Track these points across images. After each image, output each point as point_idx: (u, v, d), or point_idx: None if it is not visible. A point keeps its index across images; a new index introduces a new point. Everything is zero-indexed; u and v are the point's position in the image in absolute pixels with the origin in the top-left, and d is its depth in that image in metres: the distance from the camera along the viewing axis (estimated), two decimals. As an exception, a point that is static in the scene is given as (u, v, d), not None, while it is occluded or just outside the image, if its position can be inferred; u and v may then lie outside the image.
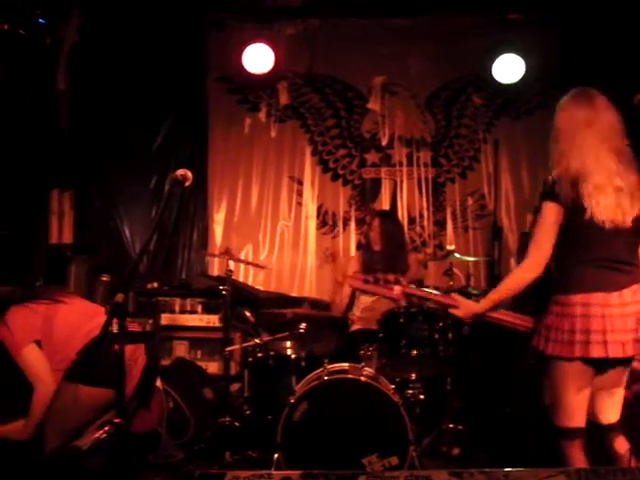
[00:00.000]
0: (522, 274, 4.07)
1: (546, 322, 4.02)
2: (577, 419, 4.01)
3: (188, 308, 7.51)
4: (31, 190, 7.99)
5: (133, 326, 4.74)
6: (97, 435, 3.03)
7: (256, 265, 7.94)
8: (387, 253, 6.90)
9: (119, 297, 3.08)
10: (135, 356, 4.62)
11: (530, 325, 4.25)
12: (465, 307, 4.31)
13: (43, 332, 4.55)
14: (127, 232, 8.60)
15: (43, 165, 7.92)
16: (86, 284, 7.65)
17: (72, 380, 4.44)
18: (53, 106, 7.83)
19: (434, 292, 4.79)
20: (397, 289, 4.97)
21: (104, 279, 7.24)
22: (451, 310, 4.33)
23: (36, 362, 4.50)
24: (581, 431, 4.02)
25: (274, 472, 4.03)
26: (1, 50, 7.16)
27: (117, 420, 3.05)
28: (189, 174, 3.70)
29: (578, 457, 3.99)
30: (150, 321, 6.32)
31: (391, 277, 4.71)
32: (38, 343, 4.53)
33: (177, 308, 7.49)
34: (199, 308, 7.50)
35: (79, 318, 4.62)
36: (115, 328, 3.15)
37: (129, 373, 4.41)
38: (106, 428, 3.04)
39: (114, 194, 8.67)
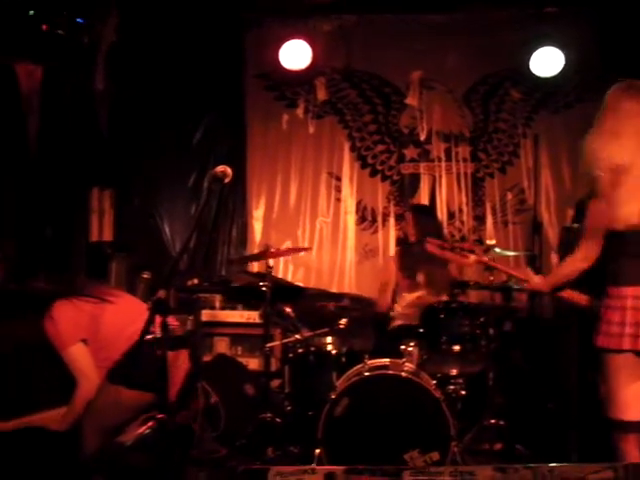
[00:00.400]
0: (576, 263, 4.16)
1: (598, 314, 4.03)
2: (631, 412, 3.97)
3: (228, 304, 7.54)
4: (71, 189, 8.06)
5: (174, 322, 4.74)
6: (140, 431, 3.03)
7: (296, 250, 7.97)
8: (424, 247, 6.90)
9: (161, 293, 3.09)
10: (178, 362, 4.59)
11: (590, 303, 4.35)
12: (534, 282, 4.52)
13: (89, 331, 4.56)
14: (167, 230, 8.64)
15: (83, 164, 7.98)
16: (127, 281, 7.71)
17: (114, 382, 4.46)
18: (91, 106, 7.87)
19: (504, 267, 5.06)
20: (472, 258, 5.06)
21: (145, 276, 7.27)
22: (522, 283, 4.66)
23: (81, 359, 4.52)
24: (636, 425, 3.98)
25: (318, 467, 4.04)
26: (40, 51, 7.23)
27: (160, 416, 3.06)
28: (228, 170, 3.71)
29: (633, 452, 3.95)
30: (191, 317, 6.33)
31: (467, 245, 4.78)
32: (84, 341, 4.55)
33: (217, 304, 7.51)
34: (239, 304, 7.53)
35: (124, 320, 4.61)
36: (158, 332, 3.16)
37: (171, 379, 4.41)
38: (149, 424, 3.04)
39: (153, 192, 8.71)
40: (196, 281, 7.71)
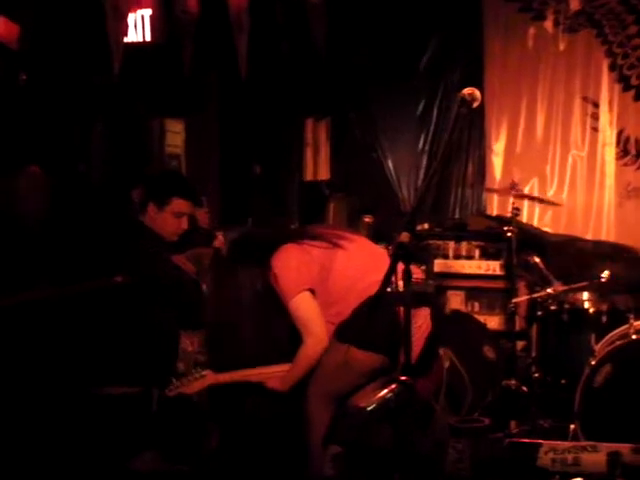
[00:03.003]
0: None
1: None
2: None
3: (464, 253, 7.48)
4: (283, 119, 8.20)
5: (418, 273, 4.70)
6: (383, 394, 2.99)
7: (547, 202, 7.82)
8: None
9: (404, 236, 3.05)
10: (418, 321, 4.54)
11: None
12: None
13: (318, 281, 4.57)
14: (390, 166, 8.72)
15: (296, 90, 8.09)
16: (346, 225, 7.78)
17: (344, 341, 4.43)
18: (305, 23, 7.96)
19: None
20: None
21: (366, 220, 7.33)
22: None
23: (306, 311, 4.53)
24: None
25: (600, 444, 4.00)
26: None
27: (404, 378, 3.03)
28: (477, 93, 3.64)
29: None
30: (422, 268, 6.35)
31: None
32: (311, 292, 4.58)
33: (451, 253, 7.48)
34: (476, 253, 7.46)
35: (357, 269, 4.57)
36: (400, 284, 3.11)
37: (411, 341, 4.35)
38: (392, 386, 3.00)
39: (375, 123, 8.78)
40: (426, 226, 7.72)
